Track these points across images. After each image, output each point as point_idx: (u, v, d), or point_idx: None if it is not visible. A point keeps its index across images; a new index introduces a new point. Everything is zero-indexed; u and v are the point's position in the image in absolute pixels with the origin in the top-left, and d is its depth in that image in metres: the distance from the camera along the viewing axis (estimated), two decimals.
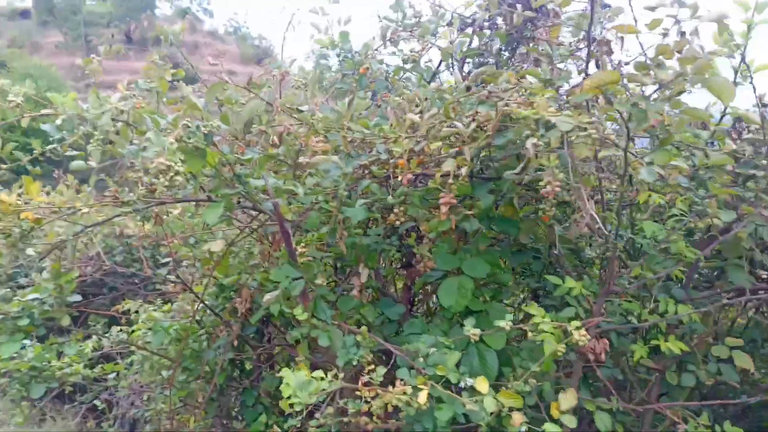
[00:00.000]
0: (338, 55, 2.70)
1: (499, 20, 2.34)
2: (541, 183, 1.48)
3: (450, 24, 2.66)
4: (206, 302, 3.11)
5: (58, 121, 1.82)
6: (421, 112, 1.94)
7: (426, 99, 1.78)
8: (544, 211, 1.93)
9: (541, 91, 1.56)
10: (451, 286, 2.26)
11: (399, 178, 1.70)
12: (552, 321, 2.05)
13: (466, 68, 2.97)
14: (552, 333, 1.98)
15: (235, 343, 3.05)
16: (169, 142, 1.66)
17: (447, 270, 2.43)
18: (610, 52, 1.76)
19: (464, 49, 2.57)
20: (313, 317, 2.07)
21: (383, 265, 2.70)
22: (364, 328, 1.96)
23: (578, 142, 1.47)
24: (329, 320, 2.09)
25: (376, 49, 2.75)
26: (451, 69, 2.90)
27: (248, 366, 3.58)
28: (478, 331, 1.77)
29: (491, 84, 1.74)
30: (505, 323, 1.75)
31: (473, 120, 1.57)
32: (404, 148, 1.68)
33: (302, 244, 1.99)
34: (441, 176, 1.81)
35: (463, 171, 1.56)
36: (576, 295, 2.10)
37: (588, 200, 1.65)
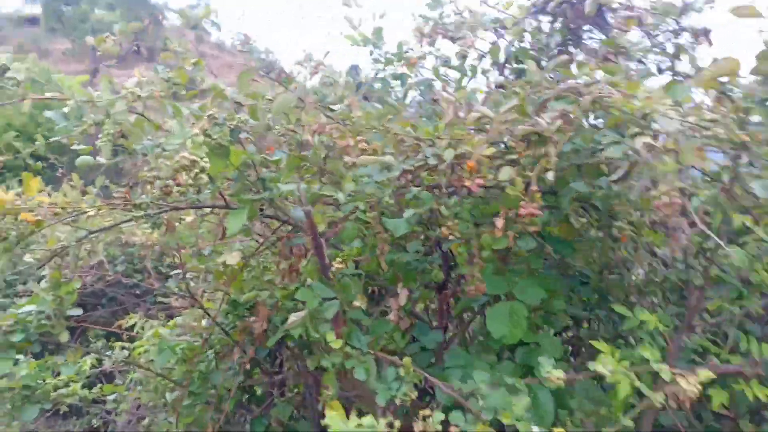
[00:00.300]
0: (371, 53, 2.47)
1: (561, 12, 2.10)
2: (653, 194, 1.21)
3: (496, 22, 2.43)
4: (217, 320, 2.84)
5: (66, 108, 1.57)
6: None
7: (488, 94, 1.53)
8: (620, 230, 1.67)
9: (637, 85, 1.31)
10: (502, 313, 1.98)
11: (466, 185, 1.44)
12: (624, 360, 1.78)
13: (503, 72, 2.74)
14: (627, 375, 1.71)
15: (247, 366, 2.76)
16: (194, 133, 1.41)
17: (493, 295, 2.16)
18: (709, 43, 1.51)
19: (517, 45, 2.33)
20: (346, 344, 1.79)
21: (417, 285, 2.42)
22: (407, 359, 1.69)
23: (687, 145, 1.21)
24: (365, 348, 1.81)
25: (411, 49, 2.52)
26: (493, 70, 2.66)
27: (258, 391, 3.30)
28: (561, 373, 1.49)
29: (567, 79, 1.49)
30: (603, 365, 1.46)
31: (560, 117, 1.32)
32: (474, 148, 1.42)
33: (338, 260, 1.73)
34: (498, 186, 1.56)
35: (550, 175, 1.31)
36: (650, 330, 1.82)
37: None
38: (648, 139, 1.16)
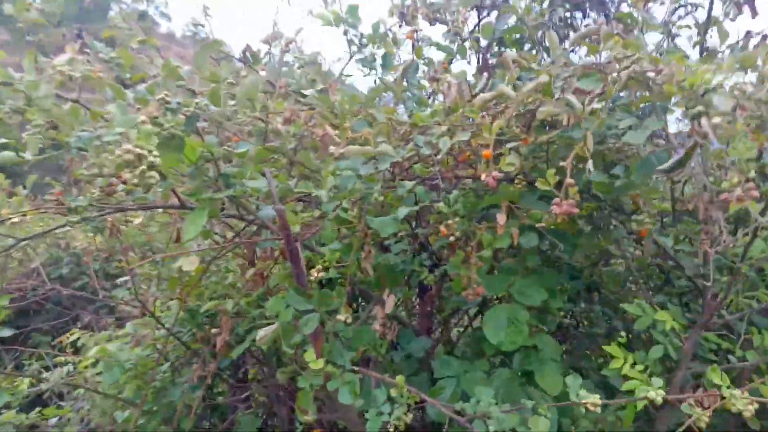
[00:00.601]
0: (345, 33, 2.21)
1: None
2: (723, 184, 1.03)
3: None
4: (171, 329, 2.55)
5: None
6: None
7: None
8: (640, 224, 1.49)
9: (676, 57, 1.12)
10: (499, 317, 1.78)
11: (484, 178, 1.21)
12: (638, 364, 1.61)
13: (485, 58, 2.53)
14: (641, 381, 1.54)
15: (209, 380, 2.49)
16: (140, 120, 1.13)
17: (489, 296, 1.97)
18: (753, 13, 1.34)
19: (511, 22, 2.11)
20: (327, 363, 1.55)
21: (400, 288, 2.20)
22: (400, 378, 1.47)
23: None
24: (348, 365, 1.58)
25: (390, 30, 2.27)
26: (473, 54, 2.44)
27: (221, 403, 3.02)
28: (596, 398, 1.29)
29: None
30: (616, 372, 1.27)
31: (592, 97, 1.11)
32: (493, 133, 1.20)
33: (318, 267, 1.49)
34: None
35: (590, 165, 1.10)
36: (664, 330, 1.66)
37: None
38: (718, 119, 0.97)
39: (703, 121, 0.98)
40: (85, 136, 1.39)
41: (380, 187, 1.42)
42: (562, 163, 1.26)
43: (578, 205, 1.15)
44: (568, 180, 1.12)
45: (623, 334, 2.40)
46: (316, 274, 1.47)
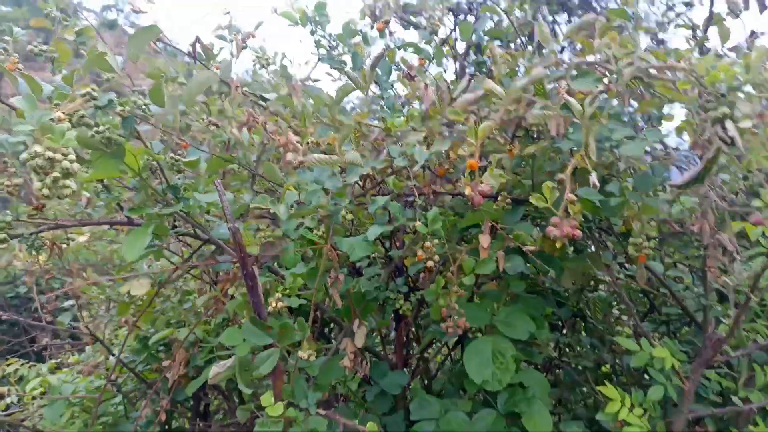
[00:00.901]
0: (312, 33, 2.03)
1: None
2: (755, 203, 0.86)
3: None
4: (122, 358, 2.31)
5: None
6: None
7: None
8: (637, 248, 1.32)
9: (684, 53, 0.97)
10: (482, 352, 1.59)
11: (468, 193, 1.03)
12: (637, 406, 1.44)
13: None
14: (641, 427, 1.36)
15: (163, 417, 2.24)
16: (55, 117, 0.93)
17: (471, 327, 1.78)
18: (762, 7, 1.20)
19: (492, 23, 1.95)
20: (289, 405, 1.34)
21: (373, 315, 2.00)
22: (371, 426, 1.26)
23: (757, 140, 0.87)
24: (313, 408, 1.37)
25: (362, 31, 2.10)
26: (451, 59, 2.29)
27: None
28: None
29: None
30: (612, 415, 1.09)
31: (594, 97, 0.95)
32: (480, 139, 1.02)
33: (277, 295, 1.29)
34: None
35: (594, 178, 0.92)
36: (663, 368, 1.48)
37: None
38: (748, 123, 0.80)
39: (729, 124, 0.81)
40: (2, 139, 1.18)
41: (349, 202, 1.23)
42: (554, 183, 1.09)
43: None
44: (569, 195, 0.94)
45: (612, 367, 2.23)
46: (274, 304, 1.27)
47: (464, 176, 1.03)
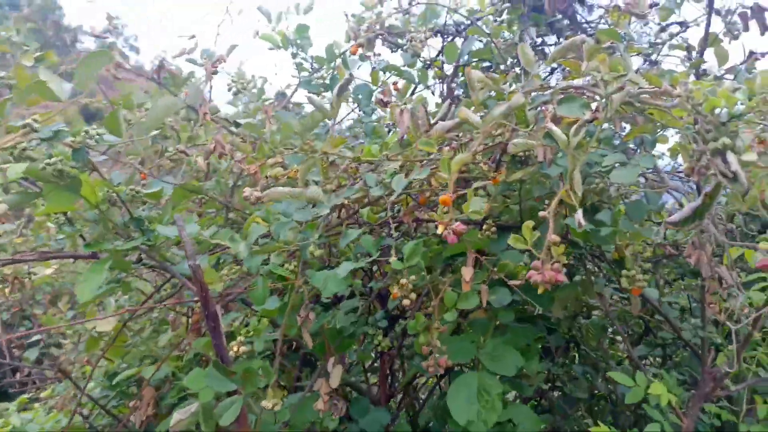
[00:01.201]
0: (293, 56, 1.96)
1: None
2: (762, 244, 0.77)
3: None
4: (94, 392, 2.20)
5: None
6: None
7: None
8: (631, 280, 1.24)
9: (679, 77, 0.89)
10: (467, 389, 1.49)
11: (441, 232, 0.94)
12: None
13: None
14: None
15: None
16: None
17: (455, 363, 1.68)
18: (762, 28, 1.13)
19: (478, 44, 1.89)
20: None
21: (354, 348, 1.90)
22: None
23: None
24: None
25: (346, 53, 2.03)
26: (438, 82, 2.22)
27: None
28: None
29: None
30: None
31: (579, 126, 0.87)
32: (453, 172, 0.93)
33: (240, 338, 1.19)
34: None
35: (579, 216, 0.84)
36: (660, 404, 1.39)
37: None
38: (752, 156, 0.72)
39: (730, 157, 0.73)
40: None
41: (319, 237, 1.14)
42: (544, 212, 1.01)
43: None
44: (552, 236, 0.85)
45: (608, 397, 2.14)
46: (236, 349, 1.17)
47: (437, 213, 0.94)
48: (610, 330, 2.43)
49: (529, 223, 0.87)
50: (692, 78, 1.21)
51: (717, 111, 0.75)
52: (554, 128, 0.88)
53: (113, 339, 1.80)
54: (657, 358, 2.36)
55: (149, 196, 1.34)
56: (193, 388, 1.35)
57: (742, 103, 0.75)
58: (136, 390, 2.33)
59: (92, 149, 1.18)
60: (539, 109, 1.00)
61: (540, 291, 0.85)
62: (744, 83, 0.78)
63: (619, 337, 2.51)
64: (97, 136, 1.16)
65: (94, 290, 1.27)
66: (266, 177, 1.22)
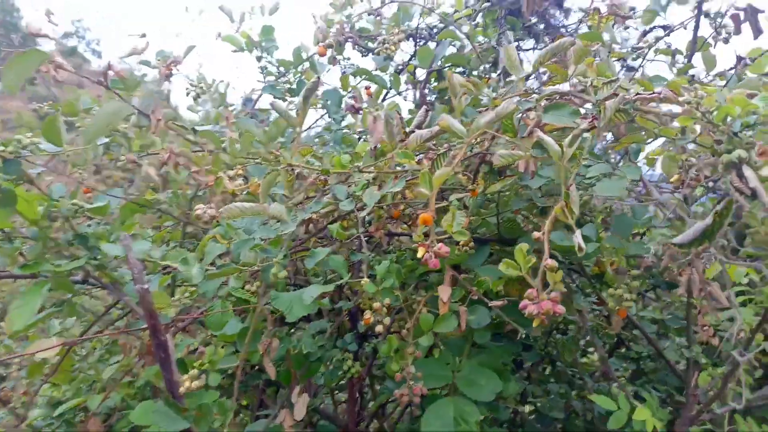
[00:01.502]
0: (258, 59, 1.85)
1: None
2: None
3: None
4: (33, 423, 2.01)
5: None
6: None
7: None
8: (617, 300, 1.17)
9: (679, 82, 0.83)
10: (443, 417, 1.40)
11: (421, 255, 0.84)
12: None
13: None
14: None
15: None
16: None
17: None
18: (756, 32, 1.08)
19: (453, 47, 1.81)
20: None
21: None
22: None
23: None
24: None
25: (314, 57, 1.93)
26: (410, 88, 2.14)
27: None
28: None
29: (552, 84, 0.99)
30: None
31: (575, 135, 0.79)
32: (435, 188, 0.84)
33: (194, 371, 1.06)
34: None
35: (579, 238, 0.75)
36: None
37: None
38: None
39: (748, 172, 0.66)
40: None
41: (283, 257, 1.04)
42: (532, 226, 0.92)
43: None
44: (548, 262, 0.77)
45: (583, 415, 2.07)
46: (189, 384, 1.05)
47: (411, 228, 0.85)
48: (582, 342, 2.38)
49: (524, 246, 0.78)
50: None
51: (730, 120, 0.69)
52: (547, 138, 0.80)
53: (58, 364, 1.64)
54: (629, 371, 2.31)
55: (94, 212, 1.21)
56: (140, 422, 1.21)
57: (754, 112, 0.68)
58: (84, 418, 2.17)
59: (27, 160, 1.05)
60: (520, 116, 0.92)
61: (535, 324, 0.77)
62: (762, 89, 0.72)
63: (591, 349, 2.47)
64: (32, 146, 1.03)
65: (29, 317, 1.13)
66: (222, 192, 1.11)
